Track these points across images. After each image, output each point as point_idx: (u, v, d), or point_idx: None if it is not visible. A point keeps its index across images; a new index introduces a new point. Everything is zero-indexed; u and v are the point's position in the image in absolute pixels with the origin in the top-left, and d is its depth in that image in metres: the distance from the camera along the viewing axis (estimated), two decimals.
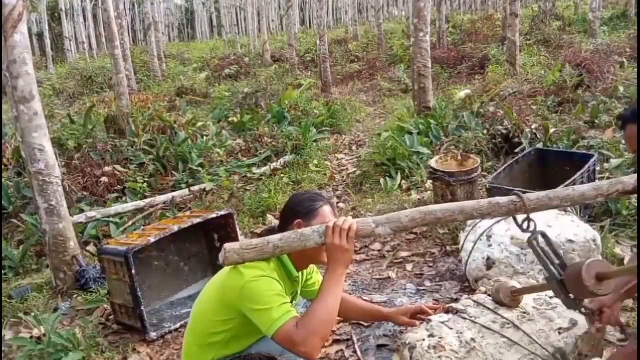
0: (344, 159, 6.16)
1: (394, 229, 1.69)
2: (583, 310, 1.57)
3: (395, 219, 1.68)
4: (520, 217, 1.64)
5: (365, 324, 2.66)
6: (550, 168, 3.74)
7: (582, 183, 3.35)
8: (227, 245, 1.67)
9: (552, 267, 1.58)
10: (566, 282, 1.54)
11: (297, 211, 1.84)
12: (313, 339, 1.60)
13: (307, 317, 1.64)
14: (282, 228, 1.80)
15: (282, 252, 1.71)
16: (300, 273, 1.91)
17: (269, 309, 1.64)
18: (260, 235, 1.84)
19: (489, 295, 2.06)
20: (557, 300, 1.97)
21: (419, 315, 2.07)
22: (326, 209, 1.85)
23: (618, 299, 1.72)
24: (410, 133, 5.65)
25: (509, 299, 1.89)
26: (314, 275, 2.05)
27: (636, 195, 3.49)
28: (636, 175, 1.63)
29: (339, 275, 1.69)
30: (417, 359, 1.76)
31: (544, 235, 1.62)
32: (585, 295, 1.50)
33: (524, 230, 1.63)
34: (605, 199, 1.65)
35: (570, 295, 1.54)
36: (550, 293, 2.03)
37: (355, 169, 5.49)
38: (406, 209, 4.03)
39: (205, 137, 6.51)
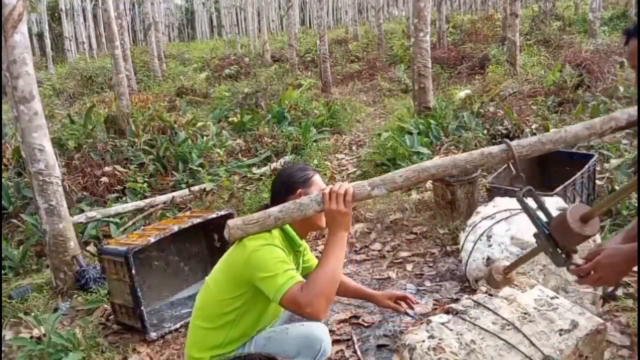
0: (344, 159, 6.16)
1: (389, 189, 1.72)
2: (571, 267, 1.53)
3: (389, 179, 1.71)
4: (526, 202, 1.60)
5: (365, 324, 2.66)
6: (550, 168, 3.74)
7: (582, 183, 3.35)
8: (230, 222, 1.71)
9: (539, 222, 1.56)
10: (553, 233, 1.52)
11: (294, 182, 1.90)
12: (318, 300, 1.64)
13: (312, 279, 1.69)
14: (275, 203, 1.80)
15: (283, 222, 1.75)
16: (301, 246, 1.96)
17: (274, 275, 1.70)
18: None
19: (490, 295, 2.06)
20: (558, 301, 1.97)
21: (402, 303, 2.19)
22: (318, 177, 1.94)
23: (622, 263, 1.51)
24: (410, 133, 5.65)
25: (501, 277, 1.88)
26: (307, 254, 2.11)
27: (636, 195, 3.49)
28: (630, 109, 1.59)
29: (339, 238, 1.73)
30: None
31: (532, 192, 1.59)
32: (574, 239, 1.48)
33: (514, 186, 1.63)
34: (599, 137, 1.63)
35: (559, 250, 1.52)
36: (551, 293, 2.04)
37: (355, 169, 5.49)
38: (406, 209, 4.07)
39: (205, 137, 6.51)
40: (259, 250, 1.75)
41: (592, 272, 1.50)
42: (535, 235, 1.59)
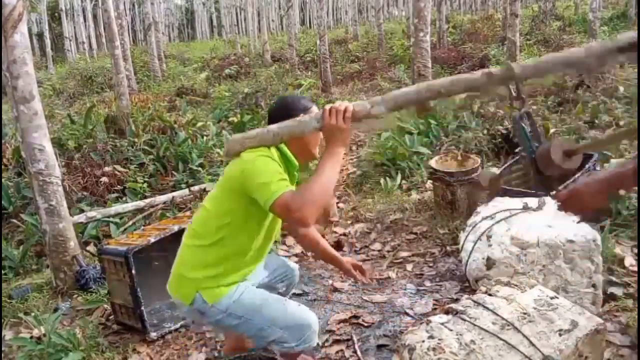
0: (344, 159, 6.16)
1: (389, 108, 1.72)
2: (553, 192, 1.65)
3: (389, 98, 1.72)
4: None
5: (365, 324, 2.66)
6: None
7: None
8: (229, 137, 1.69)
9: (527, 144, 1.65)
10: (537, 158, 1.62)
11: (293, 109, 1.92)
12: (309, 207, 1.65)
13: (305, 186, 1.71)
14: None
15: (281, 139, 1.82)
16: (296, 168, 2.00)
17: (269, 182, 1.72)
18: None
19: (490, 295, 2.06)
20: (558, 301, 1.97)
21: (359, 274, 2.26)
22: (316, 108, 1.96)
23: (597, 192, 1.59)
24: (410, 133, 5.65)
25: (487, 184, 1.93)
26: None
27: (636, 196, 3.49)
28: (630, 33, 1.52)
29: (336, 153, 1.76)
30: None
31: (530, 115, 1.65)
32: (552, 169, 1.59)
33: (513, 106, 1.66)
34: (599, 61, 1.53)
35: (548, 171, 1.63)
36: (551, 293, 2.04)
37: (355, 169, 5.49)
38: (406, 209, 4.07)
39: (205, 137, 6.50)
40: (255, 160, 1.78)
41: (571, 199, 1.58)
42: (521, 155, 1.68)
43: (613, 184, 1.57)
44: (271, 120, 1.93)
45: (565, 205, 1.61)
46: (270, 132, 1.80)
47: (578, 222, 2.05)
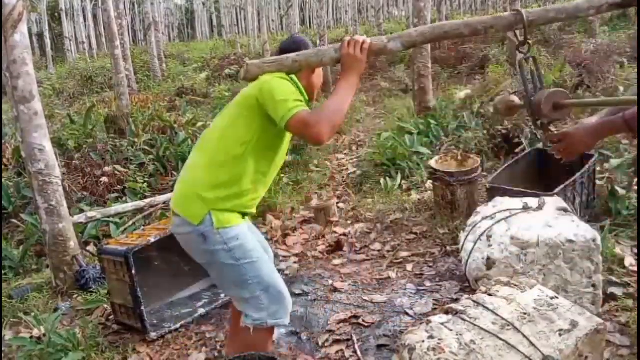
0: (344, 159, 6.16)
1: (404, 44, 1.84)
2: (549, 134, 1.82)
3: (405, 34, 1.85)
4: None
5: (365, 324, 2.66)
6: (550, 168, 3.73)
7: (582, 183, 3.35)
8: (248, 60, 1.89)
9: (528, 88, 1.78)
10: (532, 104, 1.76)
11: (306, 44, 2.02)
12: (324, 124, 1.75)
13: (321, 107, 1.84)
14: None
15: (299, 66, 1.90)
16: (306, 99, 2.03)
17: (286, 100, 1.78)
18: None
19: (489, 295, 2.06)
20: (558, 301, 1.97)
21: None
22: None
23: (585, 136, 1.80)
24: (410, 133, 5.65)
25: (504, 109, 2.02)
26: None
27: (636, 196, 3.49)
28: None
29: (352, 81, 1.85)
30: None
31: (535, 60, 1.80)
32: (542, 117, 1.76)
33: (520, 51, 1.78)
34: (596, 12, 1.74)
35: (540, 120, 1.78)
36: (551, 293, 2.04)
37: (355, 169, 5.49)
38: (406, 209, 4.06)
39: None
40: (274, 79, 1.85)
41: (562, 141, 1.77)
42: (523, 97, 1.83)
43: (603, 130, 1.77)
44: (282, 53, 1.99)
45: (557, 147, 1.78)
46: (289, 58, 1.87)
47: (565, 163, 2.16)
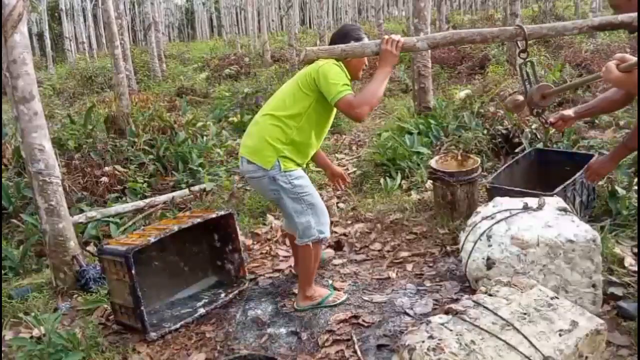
0: (344, 159, 6.16)
1: (430, 44, 2.40)
2: (543, 119, 2.48)
3: (430, 37, 2.43)
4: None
5: (365, 324, 2.66)
6: (551, 168, 3.73)
7: (582, 183, 3.35)
8: (307, 48, 2.39)
9: (526, 85, 2.34)
10: (527, 96, 2.34)
11: (351, 36, 2.59)
12: (365, 106, 2.39)
13: (363, 92, 2.43)
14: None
15: (346, 55, 2.41)
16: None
17: (337, 83, 2.39)
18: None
19: (490, 295, 2.06)
20: (558, 301, 1.98)
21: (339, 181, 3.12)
22: (366, 38, 2.61)
23: (574, 119, 2.65)
24: (410, 133, 5.64)
25: (513, 106, 2.54)
26: None
27: (636, 196, 3.49)
28: (602, 17, 2.26)
29: (387, 70, 2.43)
30: None
31: (532, 64, 2.35)
32: (535, 105, 2.34)
33: (521, 57, 2.28)
34: (579, 32, 2.29)
35: (532, 107, 2.36)
36: (551, 293, 2.05)
37: (355, 169, 5.49)
38: (406, 209, 4.07)
39: (205, 137, 6.50)
40: (330, 65, 2.43)
41: (587, 170, 2.54)
42: (523, 93, 2.39)
43: (615, 157, 2.43)
44: (332, 42, 2.58)
45: (586, 175, 2.56)
46: (339, 48, 2.39)
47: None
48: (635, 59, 1.66)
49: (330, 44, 2.58)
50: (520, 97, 2.47)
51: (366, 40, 2.56)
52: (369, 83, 2.43)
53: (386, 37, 2.37)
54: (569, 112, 2.63)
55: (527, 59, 2.24)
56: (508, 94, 2.87)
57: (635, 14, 2.05)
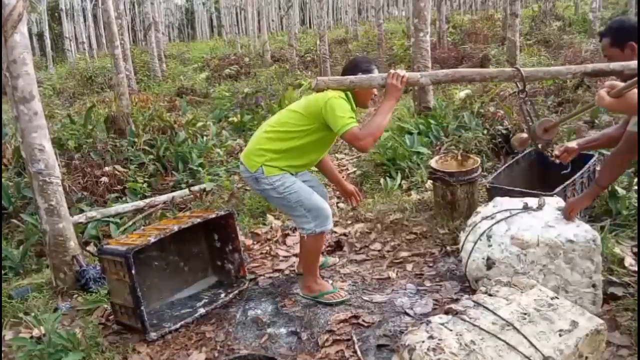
0: (344, 159, 6.16)
1: (432, 81, 2.56)
2: (548, 152, 2.65)
3: (433, 74, 2.56)
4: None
5: (365, 324, 2.66)
6: (550, 168, 3.73)
7: (582, 183, 3.35)
8: (318, 77, 2.57)
9: (529, 121, 2.48)
10: (530, 132, 2.46)
11: (360, 68, 2.70)
12: (369, 138, 2.51)
13: (368, 125, 2.56)
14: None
15: (354, 86, 2.57)
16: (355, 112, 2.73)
17: (343, 116, 2.52)
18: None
19: (490, 295, 2.06)
20: (558, 301, 1.98)
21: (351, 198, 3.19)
22: (376, 70, 2.72)
23: (577, 150, 2.74)
24: (410, 133, 5.64)
25: (518, 144, 2.74)
26: None
27: (636, 196, 3.49)
28: (595, 65, 2.41)
29: (391, 104, 2.55)
30: None
31: (532, 102, 2.48)
32: (538, 140, 2.45)
33: (520, 96, 2.43)
34: (573, 77, 2.46)
35: (537, 142, 2.49)
36: (551, 293, 2.05)
37: (355, 169, 5.49)
38: (406, 209, 4.07)
39: (205, 137, 6.50)
40: (337, 98, 2.55)
41: (567, 206, 2.56)
42: (526, 128, 2.52)
43: (590, 195, 2.57)
44: (344, 74, 2.71)
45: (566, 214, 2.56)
46: (348, 80, 2.55)
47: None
48: (622, 84, 1.82)
49: (342, 74, 2.73)
50: (524, 134, 2.65)
51: (375, 72, 2.68)
52: (374, 115, 2.56)
53: (392, 71, 2.49)
54: (573, 144, 2.77)
55: (527, 98, 2.42)
56: (513, 135, 2.96)
57: (625, 63, 2.21)
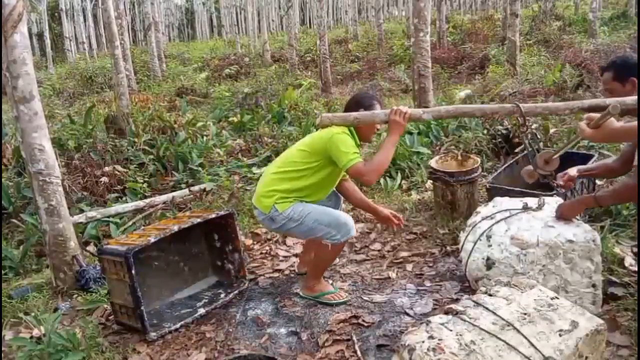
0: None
1: (434, 116, 2.67)
2: (553, 182, 2.69)
3: (435, 110, 2.66)
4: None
5: (365, 324, 2.66)
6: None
7: (582, 183, 3.35)
8: (323, 114, 2.69)
9: (531, 155, 2.58)
10: (534, 164, 2.57)
11: (363, 104, 2.77)
12: (374, 173, 2.57)
13: (372, 160, 2.63)
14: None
15: (358, 122, 2.65)
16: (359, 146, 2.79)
17: (348, 152, 2.57)
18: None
19: (490, 295, 2.06)
20: (558, 301, 1.98)
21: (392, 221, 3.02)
22: (378, 106, 2.77)
23: (577, 176, 2.83)
24: (410, 133, 5.65)
25: (527, 177, 2.77)
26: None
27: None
28: (592, 100, 2.43)
29: (394, 139, 2.63)
30: None
31: (534, 134, 2.64)
32: (540, 170, 2.55)
33: (521, 130, 2.51)
34: (571, 113, 2.46)
35: (539, 172, 2.58)
36: (551, 294, 2.05)
37: None
38: (406, 209, 4.06)
39: (205, 137, 6.50)
40: (341, 134, 2.61)
41: (558, 210, 2.54)
42: (530, 158, 2.62)
43: (581, 204, 2.55)
44: (346, 109, 2.79)
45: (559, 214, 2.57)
46: (352, 116, 2.63)
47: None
48: (598, 115, 1.96)
49: (345, 110, 2.81)
50: (531, 167, 2.71)
51: (378, 107, 2.74)
52: (378, 151, 2.64)
53: (395, 108, 2.58)
54: (573, 170, 2.86)
55: (528, 131, 2.53)
56: (522, 170, 2.96)
57: (621, 99, 2.21)
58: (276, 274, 3.38)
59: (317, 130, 2.92)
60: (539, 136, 5.03)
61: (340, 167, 2.61)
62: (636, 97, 2.20)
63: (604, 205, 2.52)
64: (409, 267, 3.28)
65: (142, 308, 2.69)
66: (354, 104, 2.79)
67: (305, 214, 2.71)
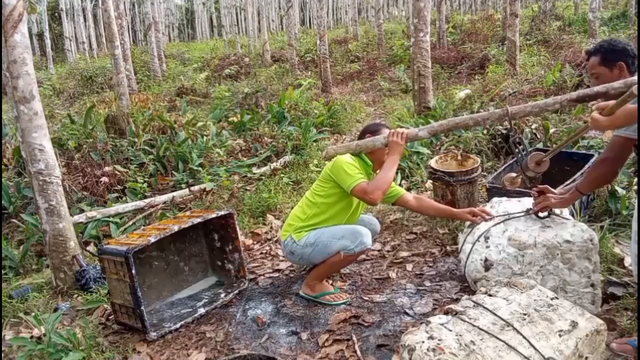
0: None
1: (430, 132, 2.70)
2: (533, 190, 2.58)
3: (429, 127, 2.71)
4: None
5: (365, 324, 2.66)
6: (550, 168, 3.73)
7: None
8: (328, 147, 2.95)
9: (520, 158, 2.56)
10: (522, 166, 2.54)
11: (369, 130, 2.94)
12: (377, 191, 2.66)
13: (375, 180, 2.73)
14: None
15: (360, 149, 2.84)
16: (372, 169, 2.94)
17: (352, 175, 2.72)
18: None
19: (489, 295, 2.06)
20: (557, 302, 1.98)
21: (478, 214, 2.87)
22: (385, 130, 2.89)
23: (560, 199, 2.52)
24: None
25: (509, 183, 2.76)
26: (393, 186, 3.05)
27: (636, 196, 3.49)
28: (579, 91, 2.40)
29: (395, 158, 2.74)
30: None
31: (521, 139, 2.62)
32: (529, 172, 2.53)
33: (510, 135, 2.58)
34: (560, 107, 2.45)
35: (528, 174, 2.55)
36: (551, 294, 2.05)
37: None
38: (406, 209, 4.04)
39: (205, 137, 6.50)
40: (344, 160, 2.77)
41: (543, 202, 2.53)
42: (518, 162, 2.59)
43: (570, 199, 2.49)
44: (359, 138, 2.95)
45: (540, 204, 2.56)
46: (354, 144, 2.84)
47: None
48: (609, 103, 1.86)
49: (358, 138, 2.98)
50: (513, 174, 2.75)
51: (385, 131, 2.86)
52: (381, 171, 2.76)
53: (392, 130, 2.76)
54: (550, 199, 2.65)
55: (516, 135, 2.55)
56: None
57: (609, 85, 2.20)
58: (276, 274, 3.38)
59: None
60: (539, 136, 5.04)
61: (346, 189, 2.71)
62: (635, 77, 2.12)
63: (584, 192, 2.45)
64: (409, 267, 3.28)
65: (142, 308, 2.69)
66: (362, 132, 2.98)
67: (320, 234, 2.83)
